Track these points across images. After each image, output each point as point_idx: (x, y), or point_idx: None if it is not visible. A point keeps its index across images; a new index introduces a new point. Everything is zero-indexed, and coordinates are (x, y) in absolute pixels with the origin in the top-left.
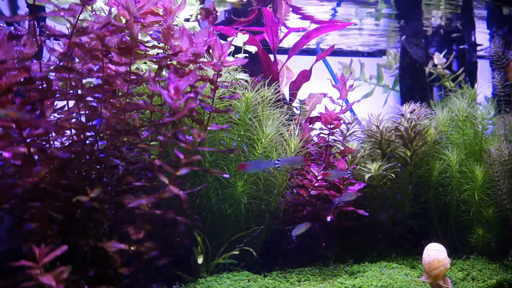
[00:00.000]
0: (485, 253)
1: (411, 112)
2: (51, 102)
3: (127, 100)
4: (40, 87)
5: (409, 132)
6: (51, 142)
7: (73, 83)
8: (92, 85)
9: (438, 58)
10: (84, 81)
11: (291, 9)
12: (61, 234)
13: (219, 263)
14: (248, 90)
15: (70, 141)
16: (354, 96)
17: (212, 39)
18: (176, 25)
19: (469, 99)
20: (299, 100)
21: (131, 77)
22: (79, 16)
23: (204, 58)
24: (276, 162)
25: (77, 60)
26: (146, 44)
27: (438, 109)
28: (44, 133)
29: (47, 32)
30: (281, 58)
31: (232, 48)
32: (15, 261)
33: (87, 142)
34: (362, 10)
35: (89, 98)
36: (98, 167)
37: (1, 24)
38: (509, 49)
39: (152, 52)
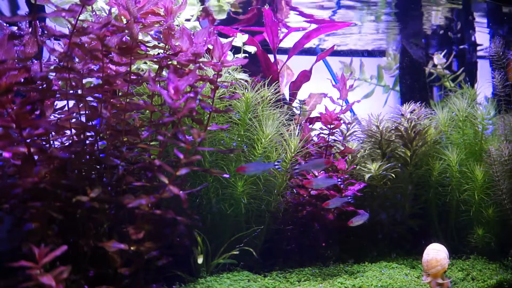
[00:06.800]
0: (485, 253)
1: (411, 112)
2: (51, 102)
3: (127, 100)
4: (40, 87)
5: (409, 132)
6: (51, 142)
7: (73, 83)
8: (92, 85)
9: (438, 58)
10: (84, 81)
11: (295, 12)
12: (61, 234)
13: (219, 263)
14: (248, 90)
15: (70, 141)
16: (354, 96)
17: (212, 39)
18: (177, 25)
19: (469, 99)
20: (299, 100)
21: (131, 77)
22: (79, 16)
23: (205, 58)
24: (276, 163)
25: (77, 60)
26: (147, 44)
27: (438, 109)
28: (44, 133)
29: (48, 32)
30: (281, 58)
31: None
32: (15, 261)
33: (87, 142)
34: (362, 11)
35: (89, 98)
36: (98, 167)
37: (4, 24)
38: (509, 49)
39: (153, 52)
